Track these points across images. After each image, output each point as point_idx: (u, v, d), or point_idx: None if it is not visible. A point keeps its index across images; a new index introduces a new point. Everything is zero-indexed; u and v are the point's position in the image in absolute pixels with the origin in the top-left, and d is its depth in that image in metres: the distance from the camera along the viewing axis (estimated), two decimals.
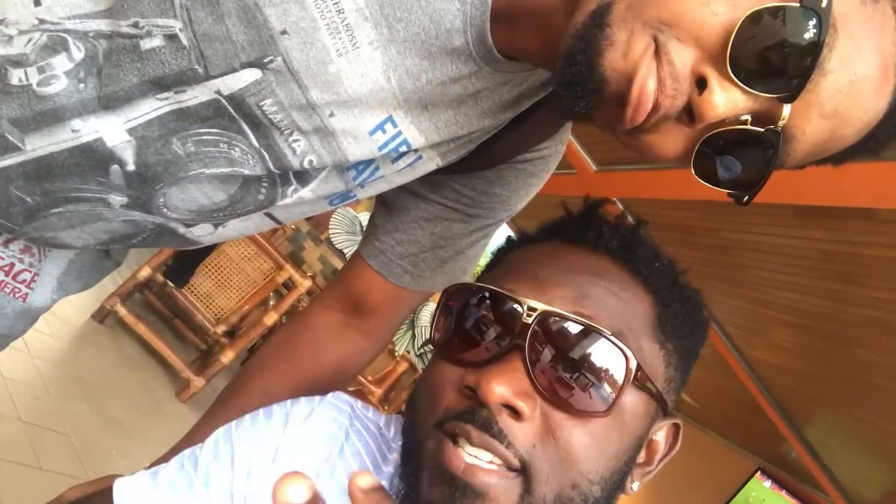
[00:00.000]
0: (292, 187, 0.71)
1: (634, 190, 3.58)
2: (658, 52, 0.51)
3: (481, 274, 0.71)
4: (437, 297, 0.67)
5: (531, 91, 0.72)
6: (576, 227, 0.65)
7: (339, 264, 4.91)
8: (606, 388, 0.55)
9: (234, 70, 0.60)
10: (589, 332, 0.56)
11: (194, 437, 0.86)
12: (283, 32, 0.59)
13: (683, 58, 0.51)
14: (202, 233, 0.76)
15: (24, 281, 0.83)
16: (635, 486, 0.62)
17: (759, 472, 5.27)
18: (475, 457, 0.54)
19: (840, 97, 0.51)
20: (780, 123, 0.52)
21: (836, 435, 4.15)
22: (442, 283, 0.89)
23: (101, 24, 0.60)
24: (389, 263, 0.88)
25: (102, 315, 3.37)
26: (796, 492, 5.05)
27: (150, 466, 0.83)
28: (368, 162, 0.71)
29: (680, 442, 0.64)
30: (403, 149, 0.70)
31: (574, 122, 0.74)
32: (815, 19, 0.48)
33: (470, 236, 0.89)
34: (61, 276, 0.86)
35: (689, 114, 0.52)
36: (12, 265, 0.81)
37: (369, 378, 4.34)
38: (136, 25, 0.59)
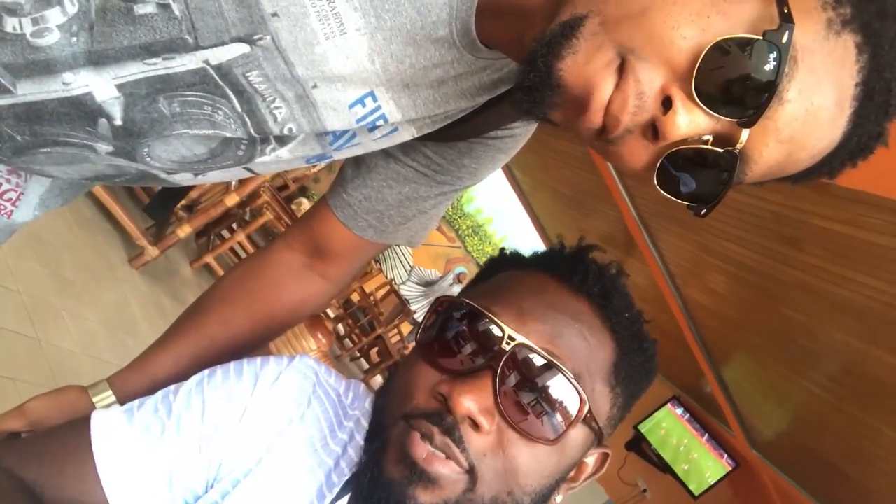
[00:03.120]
0: (271, 146, 0.74)
1: None
2: (623, 69, 0.53)
3: (470, 285, 0.76)
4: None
5: (510, 76, 0.74)
6: (565, 266, 0.70)
7: None
8: (558, 419, 0.62)
9: (223, 43, 0.62)
10: (554, 370, 0.62)
11: (153, 357, 0.89)
12: (274, 15, 0.60)
13: (652, 77, 0.52)
14: (183, 179, 0.79)
15: (9, 199, 0.85)
16: (559, 498, 0.70)
17: (672, 401, 5.61)
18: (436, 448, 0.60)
19: (796, 125, 0.53)
20: (739, 146, 0.54)
21: (749, 378, 4.42)
22: (402, 238, 0.94)
23: None
24: (355, 216, 0.91)
25: None
26: (703, 421, 5.45)
27: (113, 376, 0.89)
28: (346, 130, 0.74)
29: (606, 467, 0.72)
30: (380, 123, 0.72)
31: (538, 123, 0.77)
32: (775, 53, 0.50)
33: (435, 199, 0.92)
34: (44, 193, 0.88)
35: (653, 130, 0.54)
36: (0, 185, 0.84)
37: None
38: None
